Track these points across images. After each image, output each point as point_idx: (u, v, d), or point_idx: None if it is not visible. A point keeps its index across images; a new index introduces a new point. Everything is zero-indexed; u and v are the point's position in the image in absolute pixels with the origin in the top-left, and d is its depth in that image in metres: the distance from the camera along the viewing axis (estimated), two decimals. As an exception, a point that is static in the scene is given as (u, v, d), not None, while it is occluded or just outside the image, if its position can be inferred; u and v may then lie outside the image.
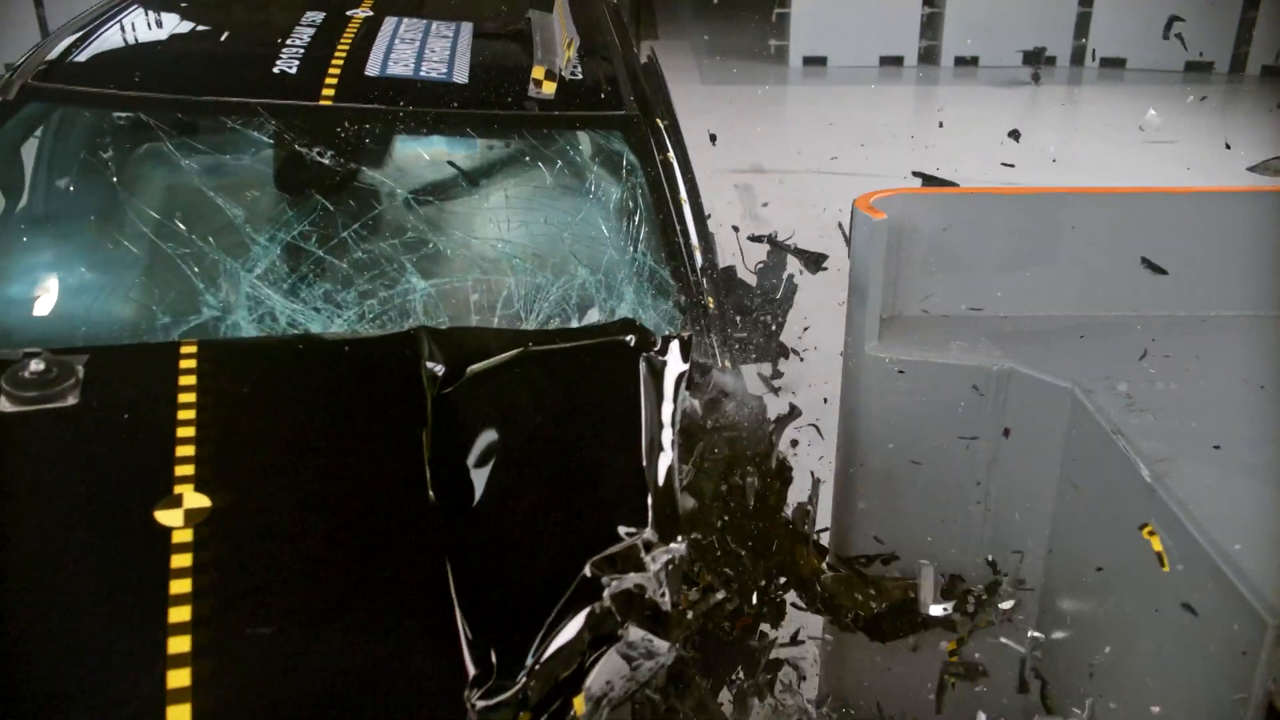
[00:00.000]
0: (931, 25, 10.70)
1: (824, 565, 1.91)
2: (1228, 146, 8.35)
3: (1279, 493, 1.53)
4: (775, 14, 10.62)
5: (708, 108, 9.00)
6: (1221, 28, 9.92)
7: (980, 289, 2.08)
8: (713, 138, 6.39)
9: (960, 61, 10.63)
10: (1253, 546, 1.38)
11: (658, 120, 2.29)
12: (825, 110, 9.08)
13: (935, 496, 2.02)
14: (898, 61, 10.70)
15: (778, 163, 7.32)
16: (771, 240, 2.93)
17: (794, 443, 2.45)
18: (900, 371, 1.95)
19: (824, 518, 2.32)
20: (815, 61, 10.68)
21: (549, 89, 2.16)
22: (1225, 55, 10.06)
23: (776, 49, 10.79)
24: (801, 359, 3.85)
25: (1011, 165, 3.67)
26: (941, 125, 9.28)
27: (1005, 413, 1.91)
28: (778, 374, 3.16)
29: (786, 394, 4.29)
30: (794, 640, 2.17)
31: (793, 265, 3.20)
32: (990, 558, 2.01)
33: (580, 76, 2.32)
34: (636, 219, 2.13)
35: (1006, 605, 1.95)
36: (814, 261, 2.67)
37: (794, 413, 2.14)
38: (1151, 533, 1.54)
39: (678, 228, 2.12)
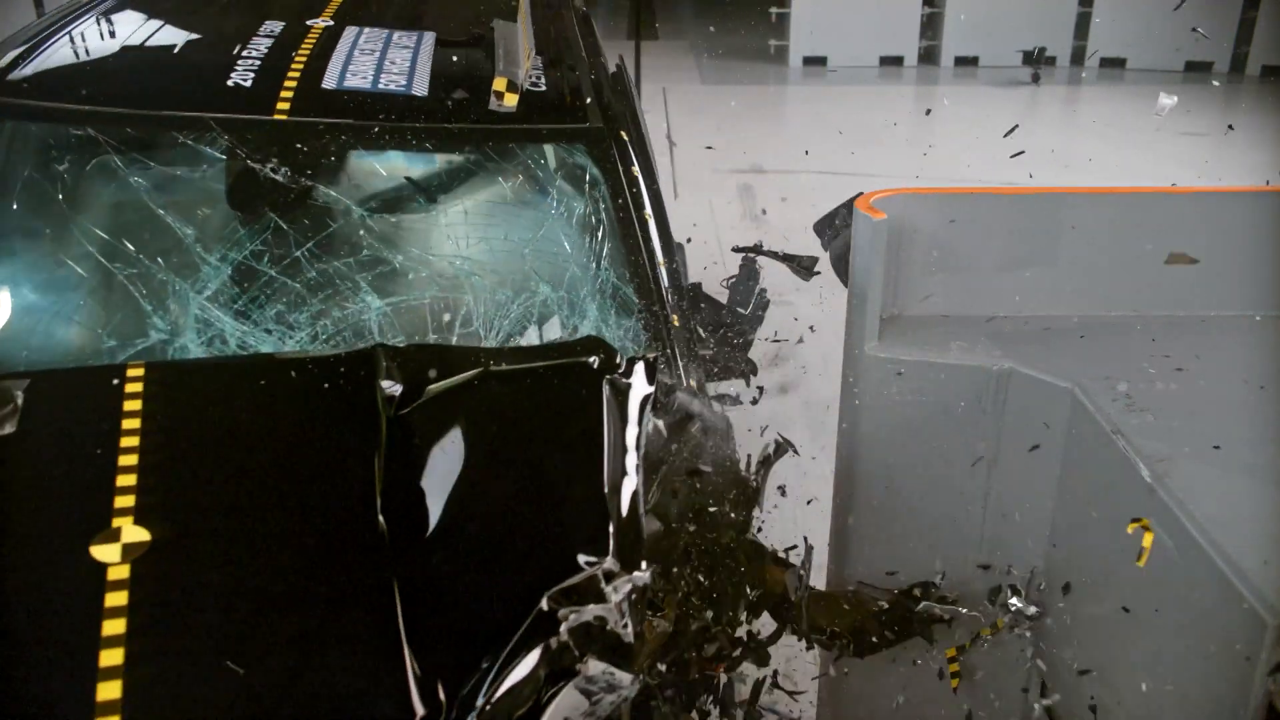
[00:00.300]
0: (931, 25, 10.72)
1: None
2: (1230, 128, 8.35)
3: (1279, 493, 1.53)
4: (774, 14, 10.63)
5: (708, 108, 9.01)
6: (1221, 28, 9.94)
7: (980, 289, 2.08)
8: (708, 148, 6.39)
9: (960, 61, 10.65)
10: (1253, 546, 1.38)
11: (622, 133, 2.21)
12: (825, 110, 9.09)
13: (935, 496, 2.02)
14: (898, 61, 10.72)
15: (778, 163, 7.34)
16: (758, 250, 2.86)
17: (781, 488, 2.42)
18: (900, 373, 1.94)
19: (823, 520, 2.32)
20: (815, 61, 10.69)
21: (511, 101, 2.10)
22: (1225, 55, 10.07)
23: (776, 49, 10.80)
24: (783, 336, 3.85)
25: (1022, 152, 3.64)
26: (929, 112, 9.30)
27: (1005, 413, 1.91)
28: (758, 394, 3.10)
29: (782, 396, 4.30)
30: (776, 683, 2.11)
31: (774, 277, 3.16)
32: (985, 563, 2.01)
33: (543, 88, 2.26)
34: (600, 234, 2.08)
35: (1028, 610, 1.92)
36: (806, 268, 2.61)
37: (781, 449, 2.11)
38: (1146, 528, 1.55)
39: (642, 243, 2.07)
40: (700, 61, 10.89)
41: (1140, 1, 9.96)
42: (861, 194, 2.02)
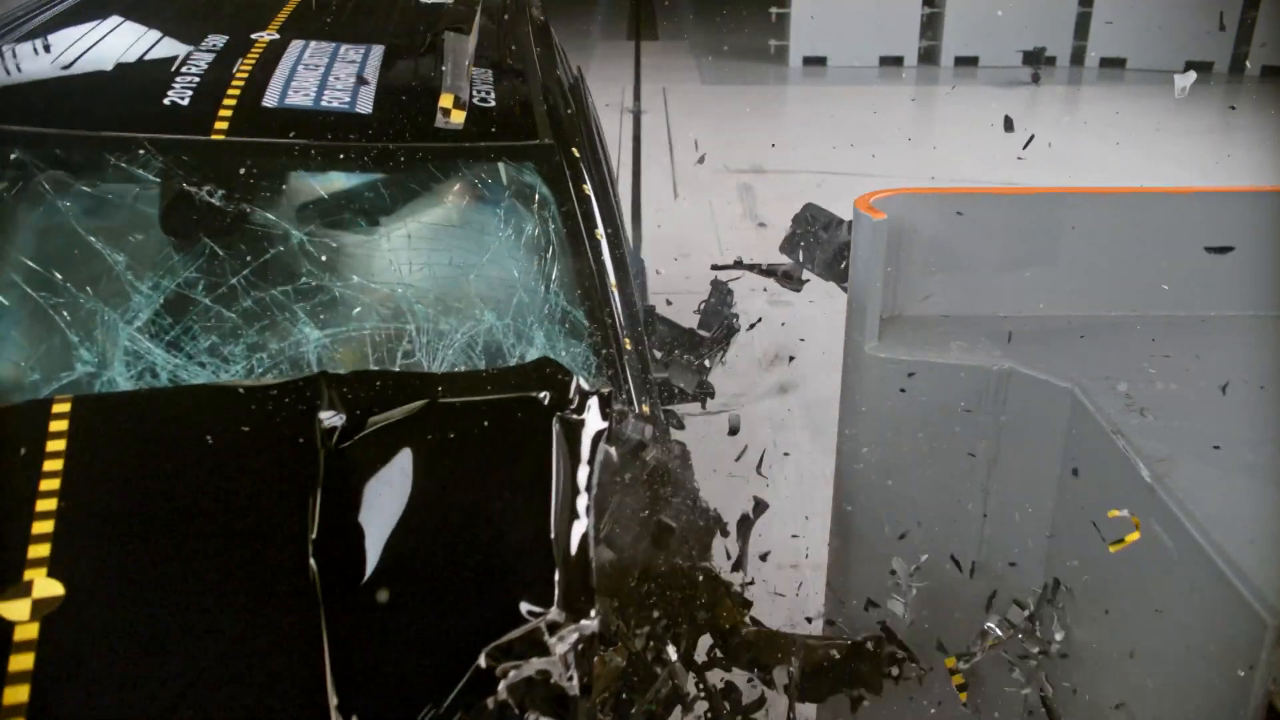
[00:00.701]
0: (931, 25, 10.72)
1: (746, 619, 1.81)
2: (1232, 108, 8.33)
3: (1279, 493, 1.53)
4: (774, 14, 10.64)
5: (708, 108, 9.02)
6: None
7: (980, 289, 2.08)
8: (700, 161, 6.37)
9: (960, 61, 10.65)
10: (1253, 546, 1.38)
11: (574, 149, 2.12)
12: (825, 110, 9.09)
13: (935, 496, 2.02)
14: (898, 61, 10.72)
15: (777, 163, 7.33)
16: (738, 265, 2.70)
17: (763, 556, 2.39)
18: (911, 374, 1.94)
19: (823, 520, 2.32)
20: (815, 61, 10.70)
21: (457, 118, 2.02)
22: (1225, 55, 10.08)
23: (776, 49, 10.80)
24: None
25: (1033, 137, 3.56)
26: (914, 100, 9.29)
27: (1005, 413, 1.91)
28: (736, 420, 2.99)
29: (783, 396, 4.30)
30: None
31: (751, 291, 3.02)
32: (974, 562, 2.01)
33: (492, 103, 2.17)
34: (549, 256, 2.01)
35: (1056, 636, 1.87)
36: (794, 278, 2.49)
37: (760, 507, 2.09)
38: (1136, 525, 1.55)
39: (593, 264, 1.99)
40: (700, 61, 10.89)
41: (1140, 1, 9.96)
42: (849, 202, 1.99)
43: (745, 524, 2.08)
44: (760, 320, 3.75)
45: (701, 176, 6.92)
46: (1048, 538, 1.90)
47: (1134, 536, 1.57)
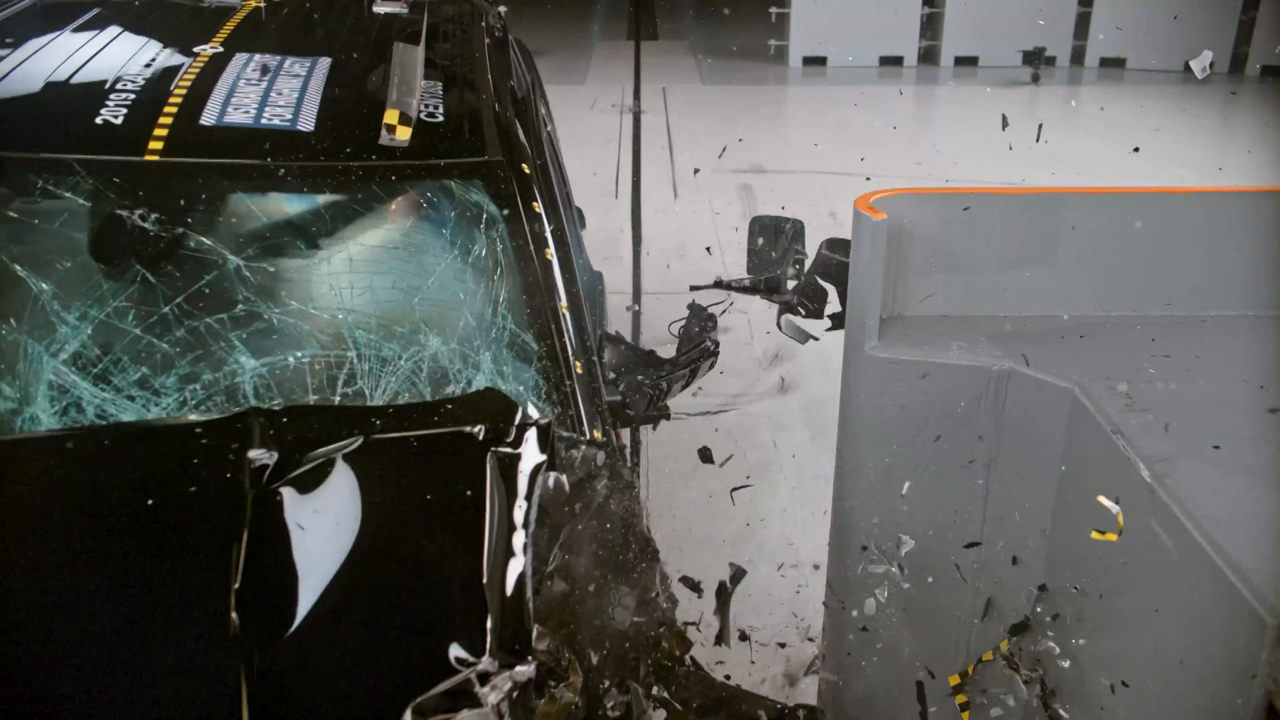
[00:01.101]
0: (931, 25, 10.73)
1: (685, 658, 1.72)
2: (1233, 94, 8.30)
3: (1279, 493, 1.53)
4: (774, 14, 10.65)
5: (708, 108, 9.02)
6: (1221, 27, 9.95)
7: (980, 289, 2.08)
8: (696, 171, 6.32)
9: (960, 61, 10.66)
10: (1253, 546, 1.38)
11: (524, 166, 2.06)
12: (825, 110, 9.10)
13: (935, 496, 2.02)
14: (898, 61, 10.73)
15: (778, 163, 7.34)
16: (718, 284, 2.60)
17: (742, 633, 2.37)
18: (924, 376, 1.93)
19: (822, 520, 2.32)
20: (815, 61, 10.70)
21: (403, 135, 1.95)
22: (1225, 55, 10.08)
23: (776, 49, 10.81)
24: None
25: (1040, 123, 3.49)
26: (901, 93, 9.31)
27: (1005, 413, 1.91)
28: (705, 457, 2.93)
29: (783, 396, 4.30)
30: None
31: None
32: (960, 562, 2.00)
33: (440, 118, 2.10)
34: (497, 278, 1.94)
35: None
36: (775, 290, 2.39)
37: (739, 574, 2.06)
38: (1120, 526, 1.56)
39: (543, 285, 1.94)
40: (700, 61, 10.90)
41: (1140, 1, 9.97)
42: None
43: (723, 594, 2.03)
44: (732, 303, 3.65)
45: (701, 177, 6.93)
46: (1048, 538, 1.90)
47: (1112, 537, 1.57)
